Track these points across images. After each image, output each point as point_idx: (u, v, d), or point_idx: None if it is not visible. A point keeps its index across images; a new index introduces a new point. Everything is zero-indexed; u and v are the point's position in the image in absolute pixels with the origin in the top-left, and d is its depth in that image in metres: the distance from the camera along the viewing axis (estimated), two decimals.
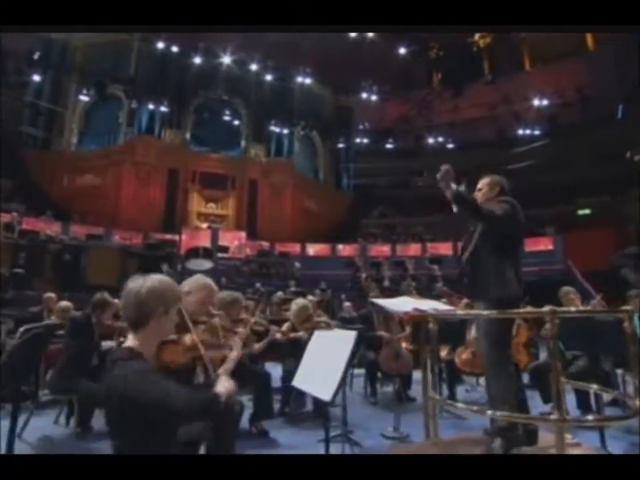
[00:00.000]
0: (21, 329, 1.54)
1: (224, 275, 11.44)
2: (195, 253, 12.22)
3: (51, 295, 5.80)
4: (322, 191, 19.27)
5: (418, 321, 2.77)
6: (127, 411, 1.12)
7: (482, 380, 4.86)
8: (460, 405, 1.88)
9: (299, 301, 4.05)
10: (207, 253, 12.29)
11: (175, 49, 14.22)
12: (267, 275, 13.15)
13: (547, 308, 1.56)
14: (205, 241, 13.81)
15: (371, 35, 14.07)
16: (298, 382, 2.05)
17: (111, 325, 3.91)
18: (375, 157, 19.20)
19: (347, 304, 7.09)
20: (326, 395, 1.76)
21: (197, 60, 14.64)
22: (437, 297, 8.05)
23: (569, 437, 2.15)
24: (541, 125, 16.65)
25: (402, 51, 14.87)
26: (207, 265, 12.13)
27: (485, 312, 1.85)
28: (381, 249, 15.88)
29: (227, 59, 14.23)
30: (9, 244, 9.11)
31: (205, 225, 15.50)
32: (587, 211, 14.75)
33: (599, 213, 14.26)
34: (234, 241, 14.53)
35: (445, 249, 15.33)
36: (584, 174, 15.07)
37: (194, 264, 12.02)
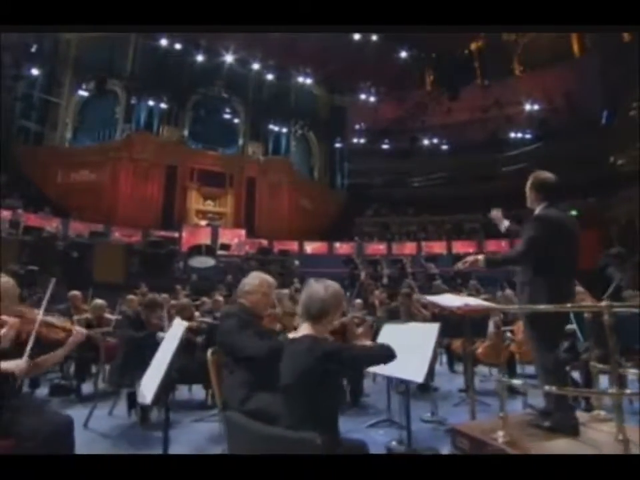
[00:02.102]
0: (184, 327, 1.69)
1: (227, 272, 11.57)
2: (197, 250, 12.29)
3: (76, 292, 5.88)
4: (317, 190, 19.52)
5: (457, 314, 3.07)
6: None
7: (494, 371, 5.24)
8: (516, 381, 2.17)
9: None
10: (210, 251, 12.38)
11: (171, 44, 14.15)
12: (266, 272, 13.32)
13: (603, 303, 1.86)
14: (205, 239, 13.88)
15: (367, 35, 14.34)
16: (378, 368, 2.31)
17: (158, 323, 4.11)
18: (369, 156, 19.54)
19: (358, 301, 7.31)
20: (418, 377, 2.06)
21: (197, 57, 14.61)
22: (435, 294, 8.43)
23: (602, 413, 2.49)
24: (531, 129, 17.26)
25: (398, 51, 15.20)
26: (210, 262, 12.23)
27: (541, 306, 2.14)
28: (377, 247, 16.25)
29: (228, 58, 14.25)
30: (13, 240, 9.07)
31: (203, 223, 15.55)
32: (573, 213, 15.40)
33: (585, 215, 14.92)
34: (234, 238, 14.64)
35: (439, 247, 15.83)
36: (570, 177, 15.72)
37: (197, 261, 12.11)
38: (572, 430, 2.16)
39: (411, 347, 2.05)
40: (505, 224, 2.62)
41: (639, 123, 12.83)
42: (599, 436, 2.16)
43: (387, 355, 1.62)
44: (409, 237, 17.16)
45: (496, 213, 2.66)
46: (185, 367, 3.95)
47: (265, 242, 15.06)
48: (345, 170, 20.82)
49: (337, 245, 16.22)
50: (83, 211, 14.18)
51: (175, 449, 2.87)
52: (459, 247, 15.63)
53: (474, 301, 2.76)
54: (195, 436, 3.15)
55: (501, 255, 2.42)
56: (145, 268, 11.16)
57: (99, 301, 4.82)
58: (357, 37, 13.70)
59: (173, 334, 1.61)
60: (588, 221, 15.33)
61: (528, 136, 17.32)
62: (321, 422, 1.36)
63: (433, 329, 2.14)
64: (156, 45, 15.03)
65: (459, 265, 2.39)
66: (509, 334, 5.00)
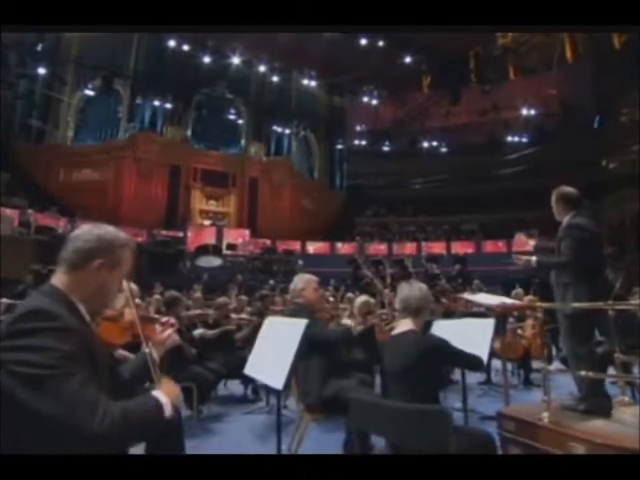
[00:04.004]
0: (305, 323, 1.89)
1: (235, 272, 11.79)
2: (204, 250, 12.46)
3: None
4: (317, 190, 19.79)
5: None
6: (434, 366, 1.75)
7: (508, 365, 5.58)
8: (559, 369, 2.47)
9: (362, 297, 4.58)
10: (216, 250, 12.56)
11: (179, 45, 14.24)
12: (270, 272, 13.54)
13: (638, 301, 2.17)
14: (210, 238, 14.05)
15: (371, 40, 14.63)
16: None
17: (188, 315, 4.34)
18: (368, 158, 19.87)
19: (371, 299, 7.60)
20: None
21: (204, 58, 14.70)
22: (440, 294, 8.76)
23: (626, 399, 2.81)
24: (527, 132, 17.75)
25: (401, 56, 15.49)
26: (216, 262, 12.42)
27: (579, 304, 2.45)
28: (378, 247, 16.57)
29: (235, 60, 14.41)
30: (26, 240, 9.16)
31: (207, 222, 15.70)
32: None
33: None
34: (238, 238, 14.83)
35: (438, 247, 16.21)
36: (564, 180, 16.23)
37: (204, 261, 12.28)
38: (605, 413, 2.48)
39: (468, 342, 2.33)
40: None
41: (639, 128, 13.34)
42: (627, 417, 2.48)
43: (478, 363, 1.98)
44: (408, 237, 17.52)
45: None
46: (227, 362, 4.21)
47: (267, 242, 15.29)
48: (344, 171, 21.15)
49: (339, 245, 16.50)
50: (87, 210, 14.23)
51: (239, 438, 3.13)
52: (457, 247, 16.04)
53: (509, 300, 3.05)
54: (253, 426, 3.40)
55: (552, 260, 2.67)
56: (153, 267, 11.30)
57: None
58: (363, 42, 13.94)
59: (287, 329, 1.85)
60: None
61: (524, 139, 17.80)
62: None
63: (489, 324, 2.44)
64: (159, 45, 15.11)
65: (514, 260, 2.68)
66: (519, 331, 5.37)
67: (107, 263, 1.20)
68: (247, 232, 15.50)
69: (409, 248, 16.31)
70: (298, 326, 1.75)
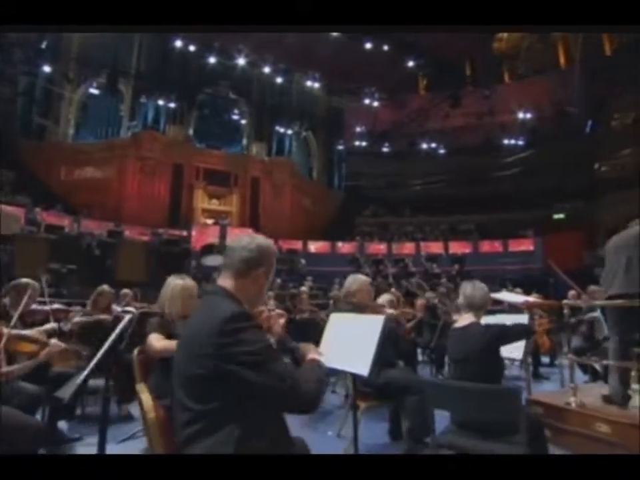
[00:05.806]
0: (383, 318, 2.07)
1: None
2: (209, 249, 12.60)
3: (127, 291, 6.20)
4: (317, 190, 20.03)
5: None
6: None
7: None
8: (575, 358, 2.74)
9: (386, 295, 4.84)
10: (222, 249, 12.70)
11: (186, 46, 14.30)
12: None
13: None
14: (214, 238, 14.17)
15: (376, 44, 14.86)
16: None
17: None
18: (366, 159, 20.18)
19: (388, 297, 7.83)
20: (518, 356, 2.63)
21: (205, 58, 14.79)
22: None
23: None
24: (523, 135, 18.21)
25: (404, 60, 15.74)
26: (222, 260, 12.56)
27: (614, 302, 2.75)
28: (378, 247, 16.87)
29: (241, 61, 14.54)
30: (38, 239, 9.24)
31: (209, 221, 15.82)
32: (561, 216, 16.46)
33: (572, 218, 15.97)
34: None
35: (436, 247, 16.56)
36: (558, 182, 16.78)
37: (210, 260, 12.43)
38: (623, 399, 2.79)
39: None
40: None
41: (630, 132, 13.84)
42: None
43: (527, 330, 2.33)
44: (407, 237, 17.85)
45: None
46: None
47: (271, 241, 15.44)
48: (342, 171, 21.42)
49: (339, 244, 16.77)
50: (90, 208, 14.27)
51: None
52: (455, 247, 16.42)
53: (532, 299, 3.35)
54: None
55: None
56: (160, 267, 11.41)
57: None
58: (368, 45, 14.20)
59: (365, 323, 2.07)
60: (575, 223, 16.45)
61: (520, 142, 18.26)
62: None
63: (524, 320, 2.72)
64: (162, 44, 15.18)
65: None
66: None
67: (266, 270, 1.40)
68: (250, 231, 15.64)
69: (408, 248, 16.63)
70: (376, 321, 1.99)
